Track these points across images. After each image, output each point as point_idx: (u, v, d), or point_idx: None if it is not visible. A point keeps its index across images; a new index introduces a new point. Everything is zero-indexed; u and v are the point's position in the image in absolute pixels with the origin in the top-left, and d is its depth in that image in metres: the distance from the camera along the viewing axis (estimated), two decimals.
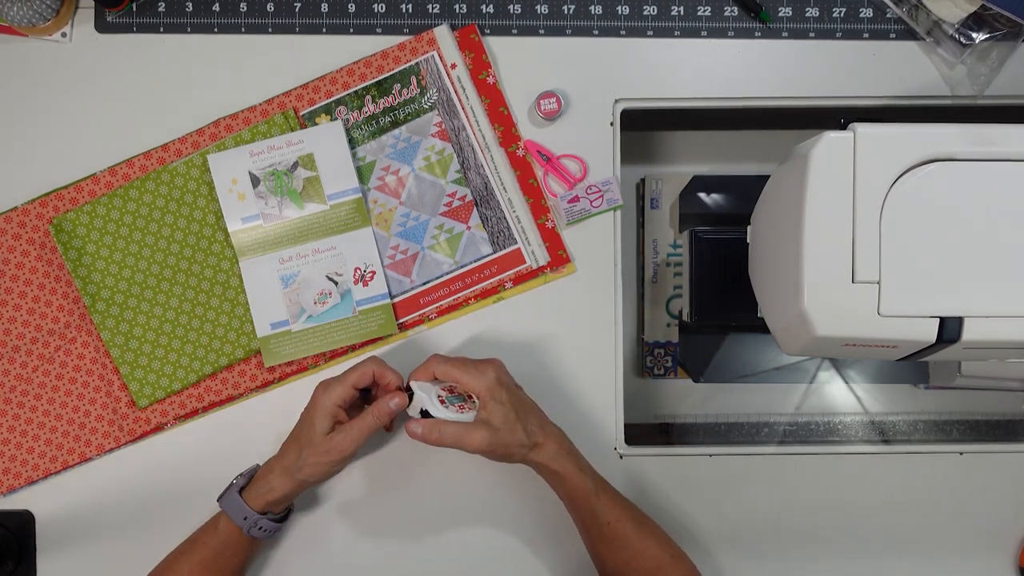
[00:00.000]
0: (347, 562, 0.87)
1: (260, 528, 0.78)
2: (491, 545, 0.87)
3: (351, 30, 0.89)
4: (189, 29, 0.88)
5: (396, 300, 0.87)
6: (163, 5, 0.88)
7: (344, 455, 0.76)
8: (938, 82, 0.89)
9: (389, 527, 0.87)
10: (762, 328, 0.80)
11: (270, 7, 0.89)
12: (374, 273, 0.87)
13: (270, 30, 0.88)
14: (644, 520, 0.80)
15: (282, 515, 0.82)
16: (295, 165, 0.86)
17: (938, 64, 0.89)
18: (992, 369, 0.89)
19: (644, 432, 1.10)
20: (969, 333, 0.65)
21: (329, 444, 0.75)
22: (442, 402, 0.76)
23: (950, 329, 0.65)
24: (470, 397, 0.78)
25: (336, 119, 0.87)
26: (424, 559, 0.87)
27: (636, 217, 1.13)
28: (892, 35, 0.89)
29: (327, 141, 0.86)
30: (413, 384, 0.77)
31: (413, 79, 0.88)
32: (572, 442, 0.80)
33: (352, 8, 0.89)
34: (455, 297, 0.88)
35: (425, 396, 0.75)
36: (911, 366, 1.07)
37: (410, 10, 0.89)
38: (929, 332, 0.65)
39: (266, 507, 0.78)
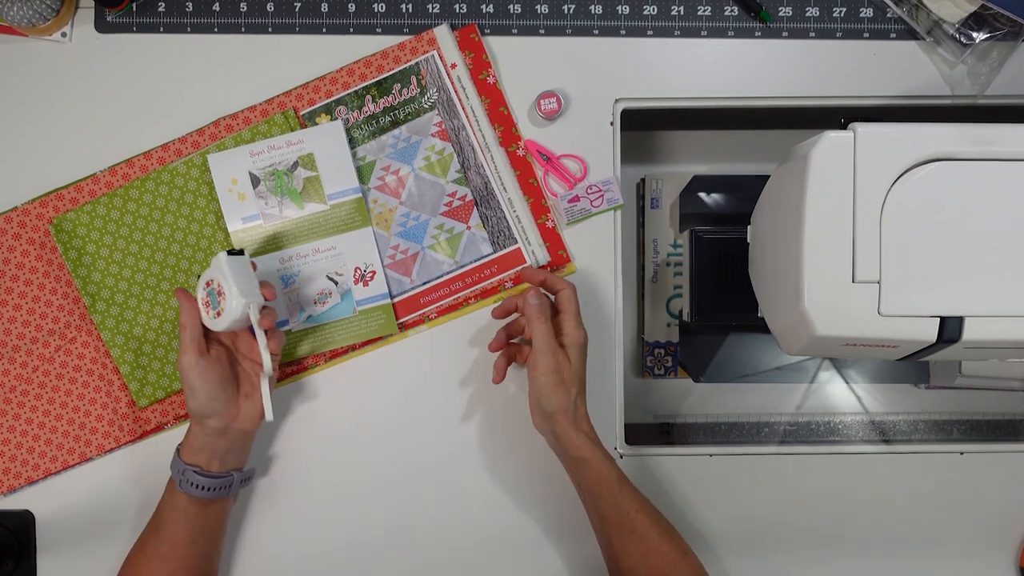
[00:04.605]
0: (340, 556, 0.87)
1: (191, 484, 0.75)
2: (495, 537, 0.87)
3: (351, 30, 0.88)
4: (189, 29, 0.88)
5: (396, 300, 0.87)
6: (163, 5, 0.88)
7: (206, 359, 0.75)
8: (938, 82, 0.89)
9: (393, 513, 0.87)
10: (762, 328, 0.80)
11: (270, 7, 0.89)
12: (374, 273, 0.87)
13: (270, 30, 0.88)
14: (659, 515, 0.79)
15: (222, 475, 0.77)
16: (295, 165, 0.86)
17: (938, 64, 0.89)
18: (992, 369, 0.89)
19: (644, 432, 1.10)
20: (970, 333, 0.65)
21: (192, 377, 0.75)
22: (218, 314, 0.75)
23: (950, 329, 0.65)
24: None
25: (336, 119, 0.87)
26: (425, 553, 0.87)
27: (636, 217, 1.13)
28: (892, 35, 0.89)
29: (327, 141, 0.86)
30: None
31: (413, 79, 0.88)
32: None
33: (352, 8, 0.89)
34: (455, 297, 0.88)
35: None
36: (911, 366, 1.07)
37: (410, 10, 0.89)
38: (929, 332, 0.65)
39: (196, 461, 0.76)
